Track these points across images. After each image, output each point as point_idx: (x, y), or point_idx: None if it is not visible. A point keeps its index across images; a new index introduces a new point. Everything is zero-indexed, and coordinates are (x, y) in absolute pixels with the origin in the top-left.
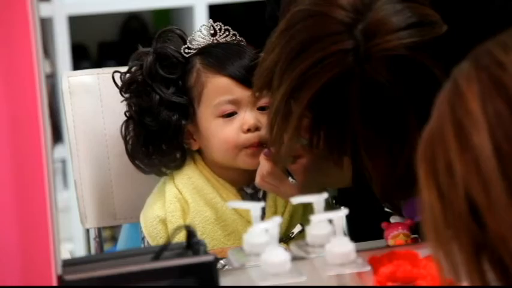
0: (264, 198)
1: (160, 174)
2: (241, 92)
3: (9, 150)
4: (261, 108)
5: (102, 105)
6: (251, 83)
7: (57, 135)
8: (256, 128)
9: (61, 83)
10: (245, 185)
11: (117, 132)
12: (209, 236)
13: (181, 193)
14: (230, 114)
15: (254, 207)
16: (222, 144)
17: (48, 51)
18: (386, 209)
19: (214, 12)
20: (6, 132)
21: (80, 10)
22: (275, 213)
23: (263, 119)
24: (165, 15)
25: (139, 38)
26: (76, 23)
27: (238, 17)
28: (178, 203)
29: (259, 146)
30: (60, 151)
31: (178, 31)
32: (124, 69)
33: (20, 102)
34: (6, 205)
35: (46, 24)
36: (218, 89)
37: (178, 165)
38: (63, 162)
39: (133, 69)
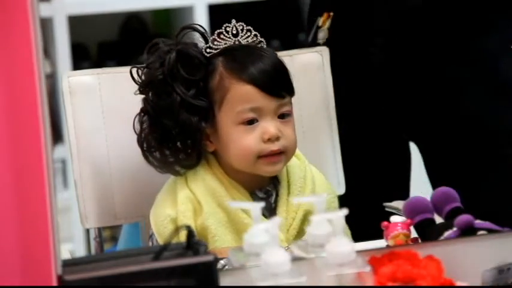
0: (275, 203)
1: (175, 173)
2: (264, 101)
3: (9, 150)
4: (281, 116)
5: (102, 105)
6: (275, 91)
7: (57, 135)
8: (277, 138)
9: (61, 83)
10: (257, 189)
11: (117, 132)
12: (221, 238)
13: (193, 194)
14: (251, 122)
15: (254, 207)
16: (241, 151)
17: (48, 51)
18: (386, 209)
19: (214, 12)
20: (7, 132)
21: (80, 10)
22: (286, 218)
23: (283, 127)
24: (165, 15)
25: (139, 38)
26: (76, 23)
27: (238, 17)
28: (190, 204)
29: (279, 154)
30: (60, 151)
31: (200, 28)
32: (124, 69)
33: (20, 102)
34: (6, 205)
35: (46, 24)
36: (242, 96)
37: (193, 165)
38: (63, 162)
39: (152, 65)
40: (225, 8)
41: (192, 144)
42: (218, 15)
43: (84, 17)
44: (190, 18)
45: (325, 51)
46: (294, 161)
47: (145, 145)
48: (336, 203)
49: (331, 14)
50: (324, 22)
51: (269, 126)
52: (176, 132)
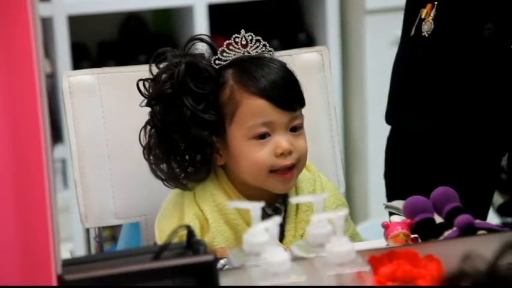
0: (284, 220)
1: (183, 188)
2: (276, 115)
3: (10, 150)
4: (293, 129)
5: (102, 105)
6: (287, 105)
7: (57, 135)
8: (289, 152)
9: (61, 83)
10: (266, 206)
11: (117, 132)
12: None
13: (201, 210)
14: (263, 136)
15: (254, 207)
16: (253, 166)
17: (48, 51)
18: (386, 209)
19: (214, 12)
20: (7, 132)
21: (80, 10)
22: (294, 236)
23: (295, 140)
24: (164, 15)
25: (139, 38)
26: (76, 23)
27: (238, 17)
28: (198, 220)
29: (291, 169)
30: (60, 151)
31: (207, 39)
32: (124, 68)
33: (20, 102)
34: (6, 205)
35: (46, 24)
36: (253, 110)
37: (202, 179)
38: (63, 162)
39: (159, 77)
40: (225, 8)
41: (201, 158)
42: (218, 15)
43: (84, 17)
44: (190, 18)
45: (325, 51)
46: (303, 174)
47: (152, 158)
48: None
49: (436, 3)
50: (427, 13)
51: (281, 140)
52: (185, 146)
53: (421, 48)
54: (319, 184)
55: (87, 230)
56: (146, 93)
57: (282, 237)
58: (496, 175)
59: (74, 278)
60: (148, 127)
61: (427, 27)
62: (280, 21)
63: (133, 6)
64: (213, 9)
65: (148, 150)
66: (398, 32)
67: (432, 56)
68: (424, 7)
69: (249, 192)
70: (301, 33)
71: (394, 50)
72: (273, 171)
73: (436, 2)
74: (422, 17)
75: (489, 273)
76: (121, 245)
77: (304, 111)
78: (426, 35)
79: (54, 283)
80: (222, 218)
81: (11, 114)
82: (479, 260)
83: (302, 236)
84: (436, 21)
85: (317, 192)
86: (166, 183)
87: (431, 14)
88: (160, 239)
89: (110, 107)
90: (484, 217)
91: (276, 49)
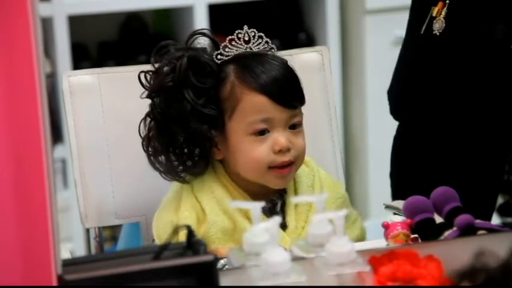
0: (282, 212)
1: (181, 181)
2: (276, 112)
3: (9, 150)
4: (292, 127)
5: (102, 105)
6: (287, 102)
7: (57, 135)
8: (287, 149)
9: (61, 83)
10: (264, 198)
11: (117, 131)
12: (223, 247)
13: (199, 202)
14: (262, 132)
15: (254, 207)
16: (251, 162)
17: (48, 51)
18: (386, 209)
19: (214, 12)
20: (7, 132)
21: (80, 10)
22: (296, 227)
23: (294, 138)
24: (165, 15)
25: (139, 38)
26: (76, 23)
27: (238, 17)
28: (194, 211)
29: (289, 165)
30: (60, 151)
31: (209, 34)
32: (124, 68)
33: (20, 102)
34: (6, 205)
35: (46, 24)
36: (254, 106)
37: (200, 172)
38: (63, 162)
39: (161, 70)
40: (225, 8)
41: (200, 152)
42: (218, 15)
43: (84, 17)
44: (190, 18)
45: (325, 51)
46: (302, 169)
47: (150, 150)
48: (346, 202)
49: (447, 2)
50: (438, 12)
51: (280, 137)
52: (184, 139)
53: (432, 47)
54: (318, 179)
55: (87, 230)
56: (147, 85)
57: (284, 228)
58: (501, 176)
59: (74, 278)
60: (148, 119)
61: (438, 25)
62: (280, 21)
63: (133, 6)
64: (213, 9)
65: (147, 142)
66: (398, 32)
67: (443, 55)
68: (435, 5)
69: (246, 186)
70: (301, 33)
71: (394, 50)
72: (272, 167)
73: (447, 1)
74: (434, 15)
75: (502, 269)
76: (121, 245)
77: (304, 110)
78: (437, 34)
79: (54, 283)
80: (220, 208)
81: (11, 114)
82: (492, 257)
83: (303, 228)
84: (447, 20)
85: (315, 187)
86: (164, 176)
87: (443, 13)
88: (156, 229)
89: (109, 106)
90: (488, 218)
91: (276, 49)
